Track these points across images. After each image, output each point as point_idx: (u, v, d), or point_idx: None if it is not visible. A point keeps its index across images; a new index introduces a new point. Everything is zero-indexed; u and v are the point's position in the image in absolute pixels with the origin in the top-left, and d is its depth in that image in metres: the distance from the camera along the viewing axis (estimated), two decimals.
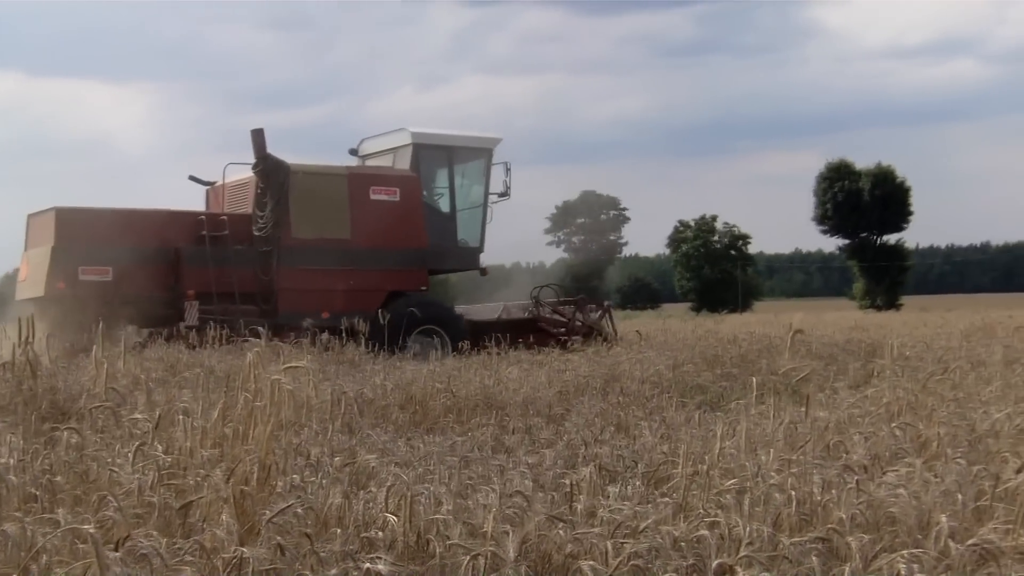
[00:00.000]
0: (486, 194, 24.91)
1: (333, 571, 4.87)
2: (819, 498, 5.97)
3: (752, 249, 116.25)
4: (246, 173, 22.70)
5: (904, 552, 4.90)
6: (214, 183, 23.99)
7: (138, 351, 15.03)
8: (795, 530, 5.59)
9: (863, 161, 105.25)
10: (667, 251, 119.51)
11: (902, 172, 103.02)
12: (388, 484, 6.04)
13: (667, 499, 6.23)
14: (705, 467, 6.74)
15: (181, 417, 7.23)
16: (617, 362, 15.13)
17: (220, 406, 7.25)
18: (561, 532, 5.38)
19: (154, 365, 13.53)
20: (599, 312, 25.33)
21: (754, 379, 9.90)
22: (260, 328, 14.96)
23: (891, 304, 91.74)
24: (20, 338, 10.76)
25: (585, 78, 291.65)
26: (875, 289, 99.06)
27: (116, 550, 4.87)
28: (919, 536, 5.45)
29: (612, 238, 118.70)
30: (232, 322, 18.05)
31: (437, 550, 5.22)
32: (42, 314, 19.33)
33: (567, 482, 6.55)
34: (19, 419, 9.10)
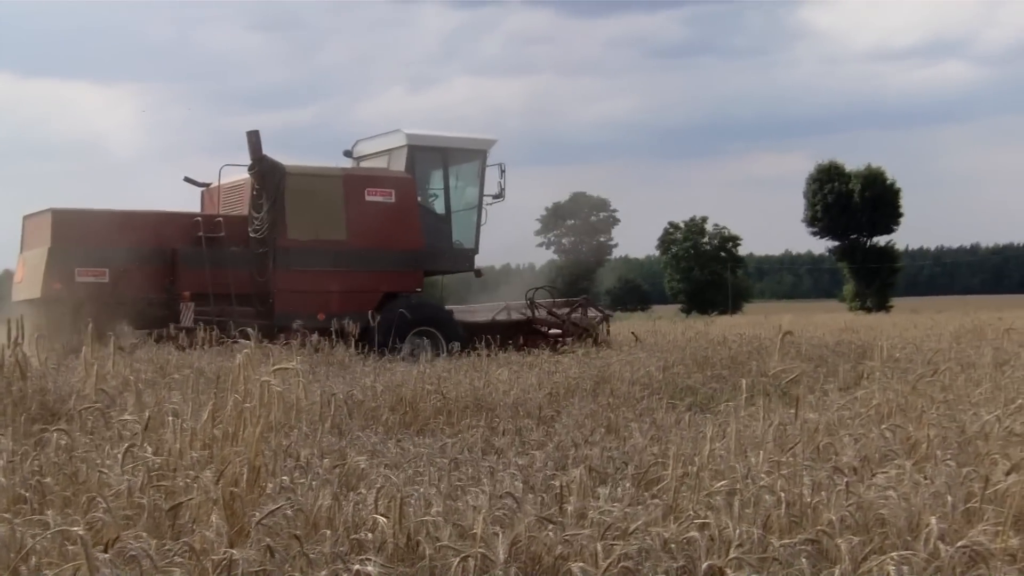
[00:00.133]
0: (481, 196, 24.94)
1: (323, 573, 4.87)
2: (809, 500, 5.98)
3: (742, 251, 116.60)
4: (242, 175, 22.71)
5: (894, 554, 4.90)
6: (209, 184, 24.00)
7: (129, 352, 14.98)
8: (785, 532, 5.59)
9: (853, 163, 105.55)
10: (657, 253, 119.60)
11: (892, 174, 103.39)
12: (378, 486, 6.04)
13: (657, 501, 6.23)
14: (695, 469, 6.74)
15: (171, 418, 7.21)
16: (607, 363, 15.12)
17: (210, 407, 7.24)
18: (551, 534, 5.38)
19: (144, 366, 13.50)
20: (600, 317, 25.34)
21: (744, 381, 9.93)
22: (249, 329, 14.97)
23: (881, 306, 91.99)
24: (10, 339, 10.75)
25: (575, 79, 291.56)
26: (865, 291, 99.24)
27: (105, 552, 4.87)
28: (909, 538, 5.46)
29: (602, 240, 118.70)
30: (229, 323, 18.04)
31: (427, 552, 5.22)
32: (39, 315, 19.39)
33: (557, 484, 6.54)
34: (8, 420, 9.09)
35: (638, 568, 4.88)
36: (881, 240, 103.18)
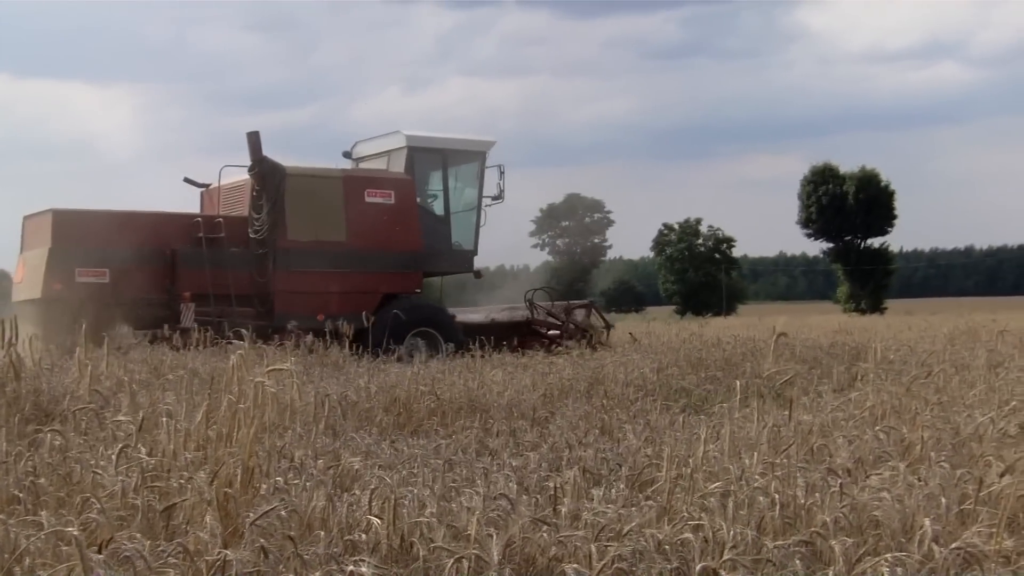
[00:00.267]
0: (480, 197, 24.96)
1: (317, 574, 4.87)
2: (803, 501, 5.98)
3: (736, 252, 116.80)
4: (242, 175, 22.72)
5: (888, 556, 4.91)
6: (209, 185, 24.01)
7: (123, 353, 14.97)
8: (779, 533, 5.60)
9: (848, 164, 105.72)
10: (651, 254, 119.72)
11: (886, 176, 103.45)
12: (372, 487, 6.03)
13: (651, 502, 6.23)
14: (689, 470, 6.74)
15: (165, 419, 7.22)
16: (601, 365, 15.12)
17: (204, 408, 7.25)
18: (545, 535, 5.38)
19: (138, 367, 13.48)
20: (602, 326, 25.38)
21: (738, 382, 9.91)
22: (243, 330, 14.96)
23: (875, 307, 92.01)
24: (3, 340, 10.74)
25: (570, 81, 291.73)
26: (859, 292, 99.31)
27: (100, 552, 4.87)
28: (903, 540, 5.47)
29: (596, 241, 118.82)
30: (229, 324, 18.04)
31: (421, 553, 5.22)
32: (39, 316, 19.40)
33: (551, 485, 6.54)
34: (2, 421, 9.08)
35: (632, 569, 4.88)
36: (875, 242, 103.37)
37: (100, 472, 6.33)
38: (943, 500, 5.85)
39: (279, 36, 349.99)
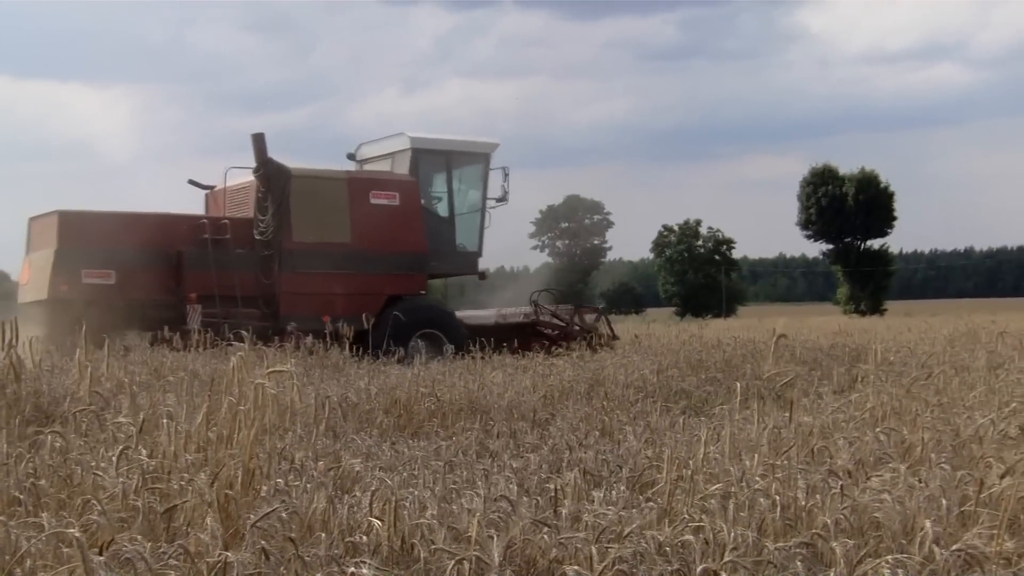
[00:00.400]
0: (484, 199, 25.02)
1: (318, 575, 4.87)
2: (804, 503, 5.98)
3: (736, 254, 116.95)
4: (247, 177, 22.75)
5: (889, 557, 4.91)
6: (214, 187, 24.03)
7: (123, 354, 14.96)
8: (780, 535, 5.59)
9: (847, 166, 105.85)
10: (651, 256, 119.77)
11: (886, 177, 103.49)
12: (373, 488, 6.03)
13: (652, 504, 6.23)
14: (690, 472, 6.73)
15: (165, 421, 7.21)
16: (601, 367, 15.11)
17: (204, 410, 7.24)
18: (546, 537, 5.38)
19: (138, 369, 13.48)
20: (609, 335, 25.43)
21: (738, 384, 9.91)
22: (244, 332, 14.97)
23: (875, 309, 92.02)
24: (3, 341, 10.73)
25: (568, 82, 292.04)
26: (859, 294, 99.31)
27: (100, 554, 4.86)
28: (904, 541, 5.46)
29: (596, 242, 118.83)
30: (235, 325, 18.05)
31: (422, 555, 5.22)
32: (45, 317, 19.43)
33: (552, 487, 6.54)
34: (2, 423, 9.08)
35: (633, 571, 4.87)
36: (875, 243, 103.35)
37: (101, 474, 6.33)
38: (944, 502, 5.85)
39: (277, 37, 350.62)
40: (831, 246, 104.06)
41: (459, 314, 25.13)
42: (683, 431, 9.50)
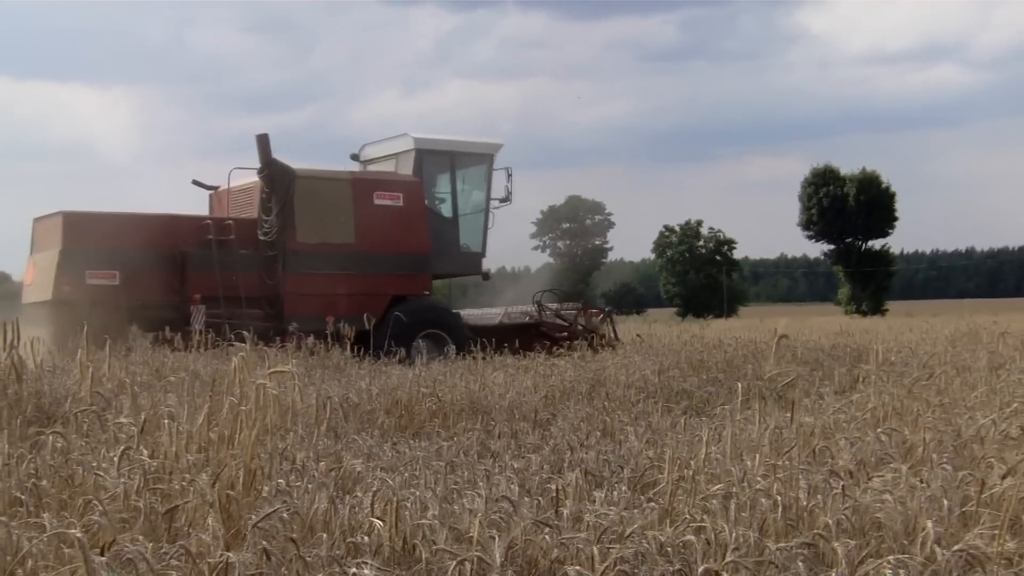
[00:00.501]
0: (488, 199, 25.06)
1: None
2: (805, 503, 5.98)
3: (737, 254, 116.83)
4: (251, 178, 22.79)
5: (890, 558, 4.91)
6: (218, 187, 24.06)
7: (124, 355, 14.96)
8: (781, 535, 5.59)
9: (848, 166, 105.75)
10: (652, 256, 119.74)
11: (887, 177, 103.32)
12: (374, 489, 6.04)
13: (653, 504, 6.24)
14: (691, 472, 6.74)
15: (166, 421, 7.22)
16: (603, 367, 15.12)
17: (205, 410, 7.24)
18: (547, 537, 5.39)
19: (139, 369, 13.49)
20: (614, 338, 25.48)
21: (740, 384, 9.91)
22: (245, 332, 15.00)
23: (876, 309, 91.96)
24: (5, 342, 10.74)
25: (569, 83, 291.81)
26: (860, 294, 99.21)
27: (102, 555, 4.87)
28: (905, 542, 5.47)
29: (597, 243, 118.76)
30: (239, 326, 18.08)
31: (423, 555, 5.22)
32: (49, 318, 19.45)
33: (553, 487, 6.54)
34: (4, 423, 9.07)
35: (634, 572, 4.88)
36: (876, 244, 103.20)
37: (102, 474, 6.33)
38: (945, 502, 5.85)
39: (277, 38, 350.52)
40: (832, 246, 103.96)
41: (465, 313, 25.19)
42: (684, 431, 9.49)
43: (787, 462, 6.97)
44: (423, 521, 5.57)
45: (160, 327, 18.87)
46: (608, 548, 5.07)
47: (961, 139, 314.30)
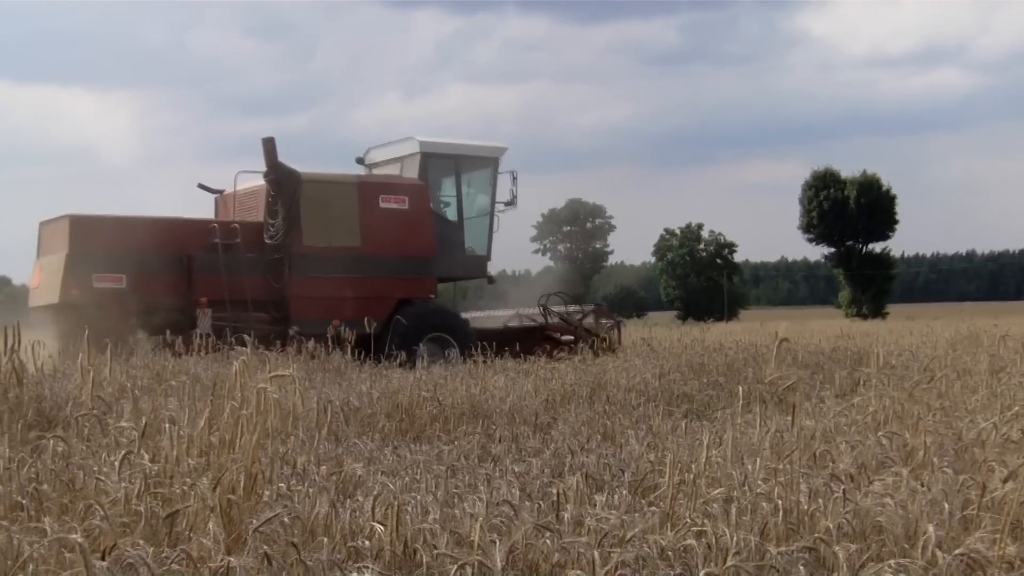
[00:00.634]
0: (493, 203, 25.10)
1: None
2: (806, 507, 5.98)
3: (738, 257, 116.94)
4: (256, 181, 22.83)
5: (891, 562, 4.91)
6: (223, 191, 24.09)
7: (125, 359, 14.97)
8: (782, 539, 5.59)
9: (849, 169, 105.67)
10: (653, 259, 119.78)
11: (887, 180, 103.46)
12: (375, 493, 6.04)
13: (654, 508, 6.24)
14: (692, 476, 6.74)
15: (167, 426, 7.22)
16: (603, 371, 15.12)
17: (206, 415, 7.24)
18: (548, 541, 5.38)
19: (140, 373, 13.49)
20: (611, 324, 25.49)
21: (740, 388, 9.91)
22: (246, 336, 15.03)
23: (877, 312, 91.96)
24: (6, 346, 10.74)
25: (570, 86, 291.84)
26: (861, 297, 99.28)
27: (103, 559, 4.87)
28: (906, 545, 5.46)
29: (598, 246, 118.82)
30: (245, 329, 18.09)
31: (424, 559, 5.22)
32: (56, 321, 19.49)
33: (554, 491, 6.54)
34: (5, 427, 9.07)
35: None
36: (877, 247, 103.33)
37: (103, 478, 6.33)
38: (946, 506, 5.85)
39: (277, 41, 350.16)
40: (833, 249, 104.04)
41: (476, 315, 25.24)
42: (685, 435, 9.49)
43: (788, 466, 6.96)
44: (424, 525, 5.57)
45: (168, 331, 18.90)
46: (609, 552, 5.07)
47: (962, 142, 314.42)
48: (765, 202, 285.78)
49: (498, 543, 5.17)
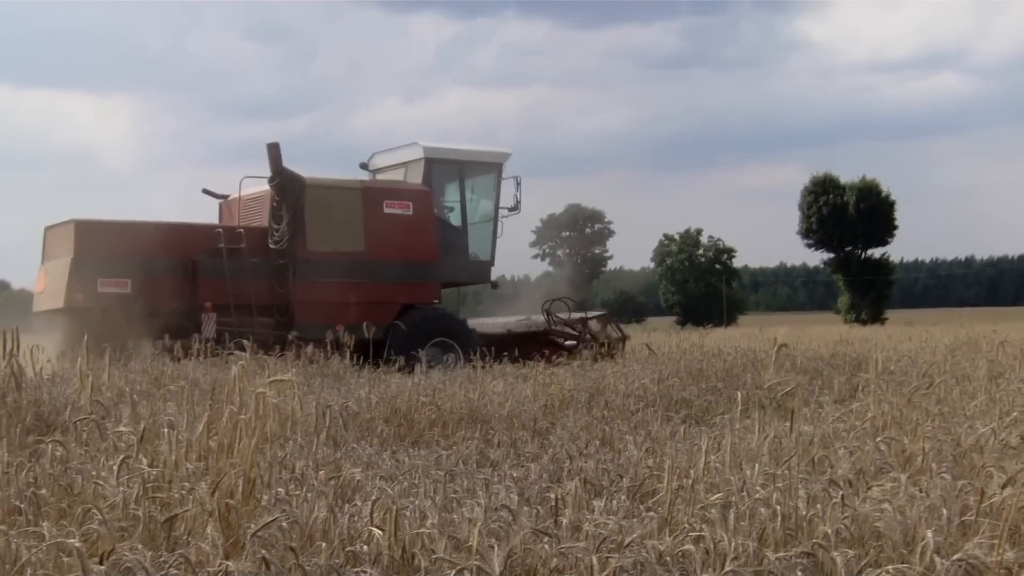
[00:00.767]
0: (496, 208, 25.11)
1: None
2: (804, 513, 5.98)
3: (737, 263, 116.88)
4: (261, 186, 22.85)
5: (889, 567, 4.91)
6: (228, 196, 24.11)
7: (124, 363, 14.97)
8: (780, 545, 5.59)
9: (848, 175, 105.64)
10: (652, 264, 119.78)
11: (887, 186, 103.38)
12: (373, 498, 6.03)
13: (652, 513, 6.23)
14: (690, 481, 6.74)
15: (166, 430, 7.22)
16: (602, 376, 15.12)
17: (205, 419, 7.25)
18: (546, 546, 5.38)
19: (139, 377, 13.49)
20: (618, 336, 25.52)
21: (739, 393, 9.92)
22: (244, 341, 15.04)
23: (876, 318, 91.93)
24: (4, 350, 10.74)
25: (570, 91, 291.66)
26: (860, 303, 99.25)
27: (101, 563, 4.87)
28: (904, 551, 5.46)
29: (597, 251, 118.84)
30: (248, 334, 18.10)
31: (422, 564, 5.22)
32: (61, 326, 19.51)
33: (552, 496, 6.55)
34: (3, 432, 9.08)
35: None
36: (876, 252, 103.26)
37: (101, 483, 6.33)
38: (944, 511, 5.85)
39: (277, 45, 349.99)
40: (832, 255, 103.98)
41: (483, 321, 25.26)
42: (684, 440, 9.50)
43: (786, 471, 6.96)
44: (422, 530, 5.56)
45: (172, 335, 18.92)
46: (607, 557, 5.07)
47: (961, 147, 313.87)
48: (764, 207, 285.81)
49: (496, 548, 5.17)
